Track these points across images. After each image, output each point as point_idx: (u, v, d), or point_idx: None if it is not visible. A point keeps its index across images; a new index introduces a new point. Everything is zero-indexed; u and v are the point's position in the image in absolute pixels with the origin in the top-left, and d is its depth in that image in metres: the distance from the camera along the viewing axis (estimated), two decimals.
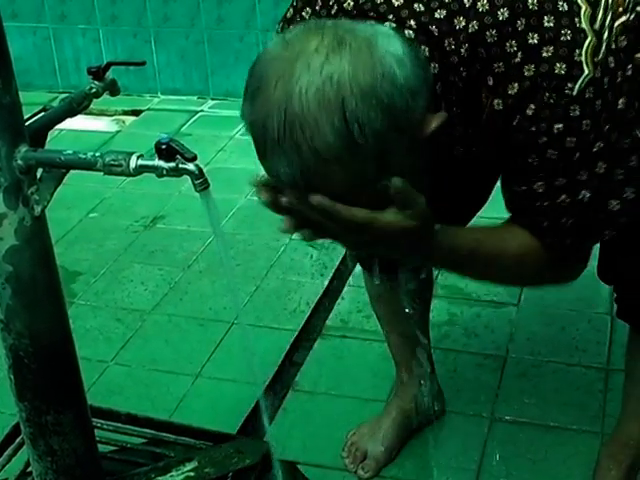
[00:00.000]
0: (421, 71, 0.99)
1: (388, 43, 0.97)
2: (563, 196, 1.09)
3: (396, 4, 1.08)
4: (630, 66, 1.07)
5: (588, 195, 1.09)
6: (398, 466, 1.72)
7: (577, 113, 1.04)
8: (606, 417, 1.77)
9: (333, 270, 2.32)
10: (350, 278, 2.27)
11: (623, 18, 1.08)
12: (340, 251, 2.32)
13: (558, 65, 1.03)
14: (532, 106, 1.05)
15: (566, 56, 1.03)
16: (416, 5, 1.06)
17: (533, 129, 1.06)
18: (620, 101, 1.07)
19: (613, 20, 1.07)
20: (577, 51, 1.03)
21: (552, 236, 1.13)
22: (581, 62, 1.03)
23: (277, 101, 0.94)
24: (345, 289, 2.24)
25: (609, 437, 1.62)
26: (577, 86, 1.03)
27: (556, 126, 1.05)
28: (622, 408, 1.54)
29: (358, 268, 1.96)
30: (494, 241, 1.16)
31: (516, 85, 1.05)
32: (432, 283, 1.77)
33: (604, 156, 1.08)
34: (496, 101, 1.07)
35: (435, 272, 2.00)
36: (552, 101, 1.04)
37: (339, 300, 2.21)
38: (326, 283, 2.27)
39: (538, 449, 1.73)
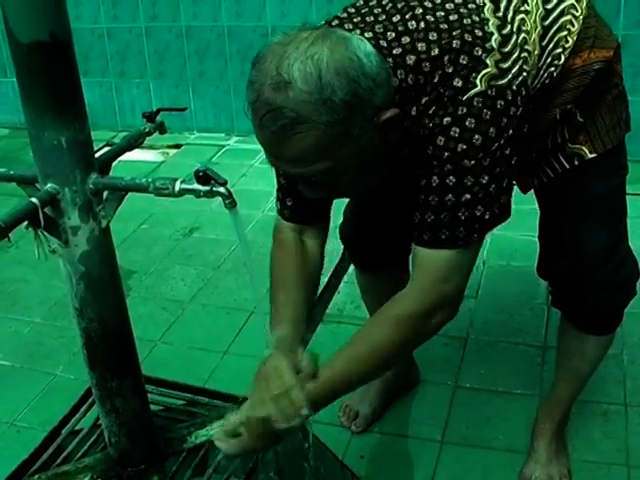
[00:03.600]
0: (384, 71, 0.99)
1: (361, 42, 0.99)
2: (450, 195, 1.06)
3: (366, 37, 1.06)
4: (521, 109, 1.05)
5: (468, 197, 1.06)
6: (383, 423, 1.73)
7: (472, 126, 1.02)
8: (543, 383, 1.78)
9: (332, 270, 2.29)
10: (345, 276, 2.25)
11: (524, 74, 1.06)
12: (337, 255, 2.32)
13: (456, 80, 1.03)
14: (436, 110, 1.03)
15: (464, 76, 1.02)
16: (382, 42, 1.06)
17: (438, 132, 1.04)
18: (509, 132, 1.04)
19: (520, 71, 1.05)
20: (473, 74, 1.02)
21: (429, 230, 1.08)
22: (475, 82, 1.02)
23: (269, 70, 0.96)
24: (341, 285, 2.23)
25: (545, 399, 1.62)
26: (467, 95, 1.02)
27: (452, 129, 1.03)
28: (554, 376, 1.55)
29: (351, 268, 1.96)
30: (362, 343, 1.16)
31: (425, 98, 1.05)
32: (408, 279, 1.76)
33: (487, 171, 1.05)
34: (414, 108, 1.06)
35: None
36: (449, 103, 1.02)
37: (336, 294, 2.20)
38: (326, 280, 2.23)
39: (491, 409, 1.74)
